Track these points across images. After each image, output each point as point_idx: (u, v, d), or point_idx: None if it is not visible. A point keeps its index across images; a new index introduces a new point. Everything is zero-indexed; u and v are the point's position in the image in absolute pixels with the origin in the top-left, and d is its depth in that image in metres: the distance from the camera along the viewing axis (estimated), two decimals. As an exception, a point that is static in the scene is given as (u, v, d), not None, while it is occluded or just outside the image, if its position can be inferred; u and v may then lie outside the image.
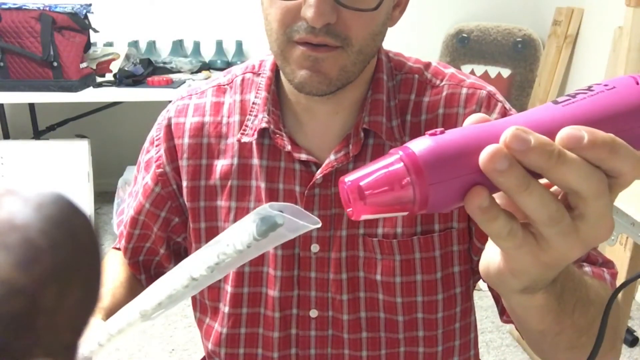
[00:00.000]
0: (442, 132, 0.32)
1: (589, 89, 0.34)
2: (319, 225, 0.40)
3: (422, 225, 0.68)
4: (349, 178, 0.32)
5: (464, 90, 0.69)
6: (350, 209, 0.32)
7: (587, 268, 0.64)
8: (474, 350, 0.75)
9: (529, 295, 0.38)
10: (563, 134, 0.30)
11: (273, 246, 0.43)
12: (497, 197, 0.33)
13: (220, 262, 0.44)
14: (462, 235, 0.68)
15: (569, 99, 0.33)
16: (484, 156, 0.30)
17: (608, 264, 0.66)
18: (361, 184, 0.31)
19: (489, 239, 0.37)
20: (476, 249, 0.68)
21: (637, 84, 0.33)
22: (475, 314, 0.75)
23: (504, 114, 0.68)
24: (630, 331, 1.98)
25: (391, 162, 0.31)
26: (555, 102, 0.33)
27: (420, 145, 0.31)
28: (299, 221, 0.40)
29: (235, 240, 0.43)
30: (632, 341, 1.98)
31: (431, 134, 0.32)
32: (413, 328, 0.70)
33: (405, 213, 0.32)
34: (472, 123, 0.34)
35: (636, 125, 0.32)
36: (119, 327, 0.54)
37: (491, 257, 0.37)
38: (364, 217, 0.32)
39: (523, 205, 0.30)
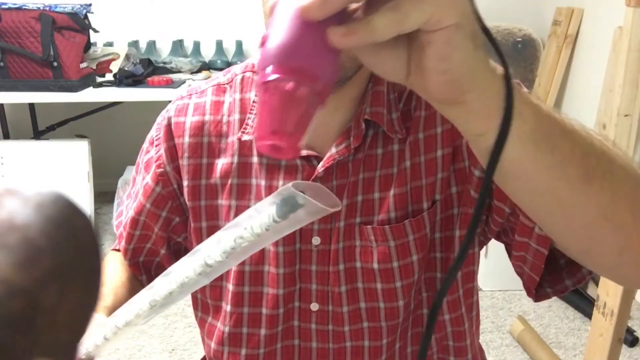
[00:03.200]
0: (266, 37, 0.34)
1: None
2: (339, 208, 0.40)
3: (413, 205, 0.68)
4: (262, 134, 0.33)
5: None
6: (286, 154, 0.33)
7: None
8: (469, 341, 0.75)
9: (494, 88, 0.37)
10: None
11: (291, 231, 0.43)
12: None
13: (236, 246, 0.44)
14: (444, 204, 0.69)
15: None
16: (303, 5, 0.31)
17: None
18: (274, 129, 0.32)
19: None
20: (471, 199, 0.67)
21: None
22: (473, 297, 0.75)
23: None
24: (630, 331, 1.98)
25: (268, 92, 0.32)
26: None
27: (263, 57, 0.33)
28: (318, 204, 0.40)
29: (254, 222, 0.43)
30: (632, 341, 1.98)
31: (261, 44, 0.34)
32: (408, 306, 0.71)
33: (320, 107, 0.33)
34: None
35: None
36: (126, 320, 0.53)
37: (440, 62, 0.35)
38: (300, 144, 0.33)
39: None
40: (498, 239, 0.70)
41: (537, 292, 0.65)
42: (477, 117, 0.39)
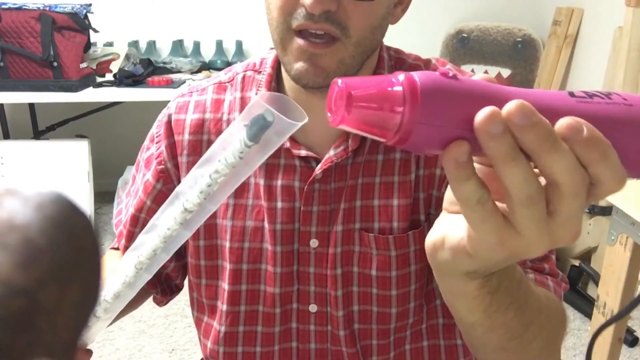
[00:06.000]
0: (452, 77, 0.30)
1: (608, 95, 0.33)
2: (306, 120, 0.40)
3: (413, 215, 0.69)
4: (344, 81, 0.30)
5: None
6: (330, 114, 0.31)
7: (531, 275, 0.64)
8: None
9: (464, 282, 0.37)
10: (564, 122, 0.30)
11: (264, 158, 0.42)
12: (479, 170, 0.33)
13: (212, 183, 0.43)
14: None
15: (585, 98, 0.33)
16: (481, 115, 0.29)
17: (554, 275, 0.66)
18: (353, 92, 0.30)
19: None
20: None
21: None
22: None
23: None
24: (630, 331, 1.98)
25: (391, 83, 0.30)
26: (571, 95, 0.33)
27: (426, 79, 0.30)
28: (285, 119, 0.40)
29: (227, 153, 0.42)
30: (632, 341, 1.98)
31: (442, 73, 0.30)
32: (405, 317, 0.71)
33: (383, 140, 0.31)
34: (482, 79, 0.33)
35: (633, 146, 0.32)
36: (114, 292, 0.52)
37: (454, 229, 0.35)
38: (341, 126, 0.30)
39: (505, 176, 0.30)
40: None
41: None
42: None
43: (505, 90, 0.31)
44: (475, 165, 0.32)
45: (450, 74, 0.30)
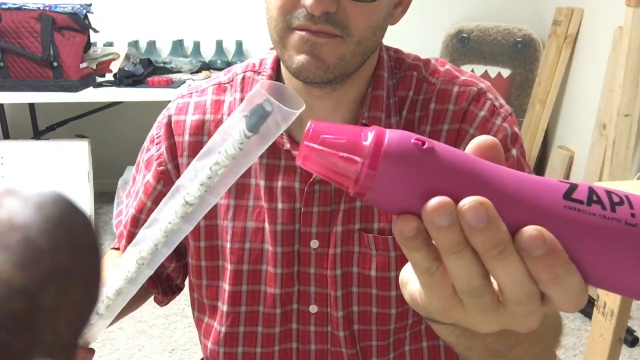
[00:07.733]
0: (427, 149, 0.29)
1: (614, 207, 0.28)
2: (304, 108, 0.40)
3: None
4: (317, 124, 0.30)
5: (456, 88, 0.70)
6: (298, 152, 0.31)
7: None
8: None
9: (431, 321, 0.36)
10: (526, 232, 0.27)
11: (264, 148, 0.42)
12: None
13: (213, 175, 0.43)
14: None
15: (581, 203, 0.28)
16: (429, 204, 0.28)
17: None
18: (322, 136, 0.30)
19: None
20: None
21: None
22: None
23: (493, 111, 0.69)
24: (630, 331, 1.98)
25: (361, 137, 0.29)
26: (567, 195, 0.28)
27: (395, 144, 0.29)
28: (285, 108, 0.40)
29: (227, 144, 0.42)
30: (632, 341, 1.98)
31: (417, 141, 0.29)
32: (404, 318, 0.71)
33: (346, 189, 0.31)
34: (476, 146, 0.31)
35: (622, 268, 0.28)
36: (116, 287, 0.52)
37: (415, 278, 0.33)
38: (306, 167, 0.31)
39: (447, 264, 0.28)
40: None
41: None
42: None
43: (485, 173, 0.29)
44: None
45: (426, 145, 0.29)
